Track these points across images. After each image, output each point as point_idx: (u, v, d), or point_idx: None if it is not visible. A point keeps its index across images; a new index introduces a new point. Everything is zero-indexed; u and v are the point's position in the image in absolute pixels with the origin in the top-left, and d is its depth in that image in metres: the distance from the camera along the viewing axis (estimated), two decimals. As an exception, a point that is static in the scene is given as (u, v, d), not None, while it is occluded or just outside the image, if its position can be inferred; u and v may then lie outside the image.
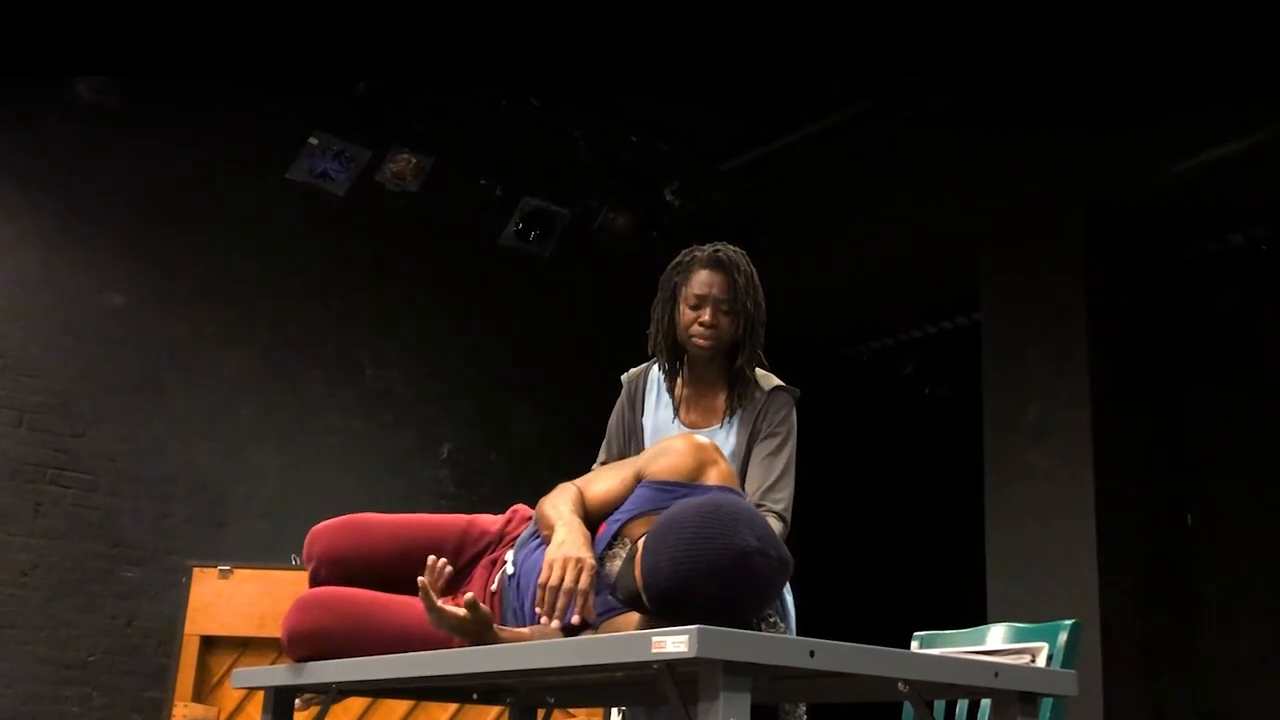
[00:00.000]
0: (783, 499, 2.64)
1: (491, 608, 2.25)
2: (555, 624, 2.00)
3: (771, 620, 2.15)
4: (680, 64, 5.58)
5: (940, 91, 5.82)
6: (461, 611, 1.95)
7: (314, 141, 6.10)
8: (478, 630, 1.97)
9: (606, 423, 2.91)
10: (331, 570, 2.37)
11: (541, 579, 2.06)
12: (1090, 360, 5.58)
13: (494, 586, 2.32)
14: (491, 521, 2.46)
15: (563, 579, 2.04)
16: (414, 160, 6.36)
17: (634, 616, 2.03)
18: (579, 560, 2.06)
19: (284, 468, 6.26)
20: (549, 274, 7.08)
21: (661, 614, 1.85)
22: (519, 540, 2.36)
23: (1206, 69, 5.02)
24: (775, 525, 2.54)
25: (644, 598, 1.87)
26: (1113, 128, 5.65)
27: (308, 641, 2.26)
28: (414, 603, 2.12)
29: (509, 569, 2.30)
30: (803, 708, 2.33)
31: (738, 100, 6.20)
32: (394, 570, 2.32)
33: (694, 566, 1.78)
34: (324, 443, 6.42)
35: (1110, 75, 5.43)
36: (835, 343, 7.91)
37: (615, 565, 2.11)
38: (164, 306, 6.07)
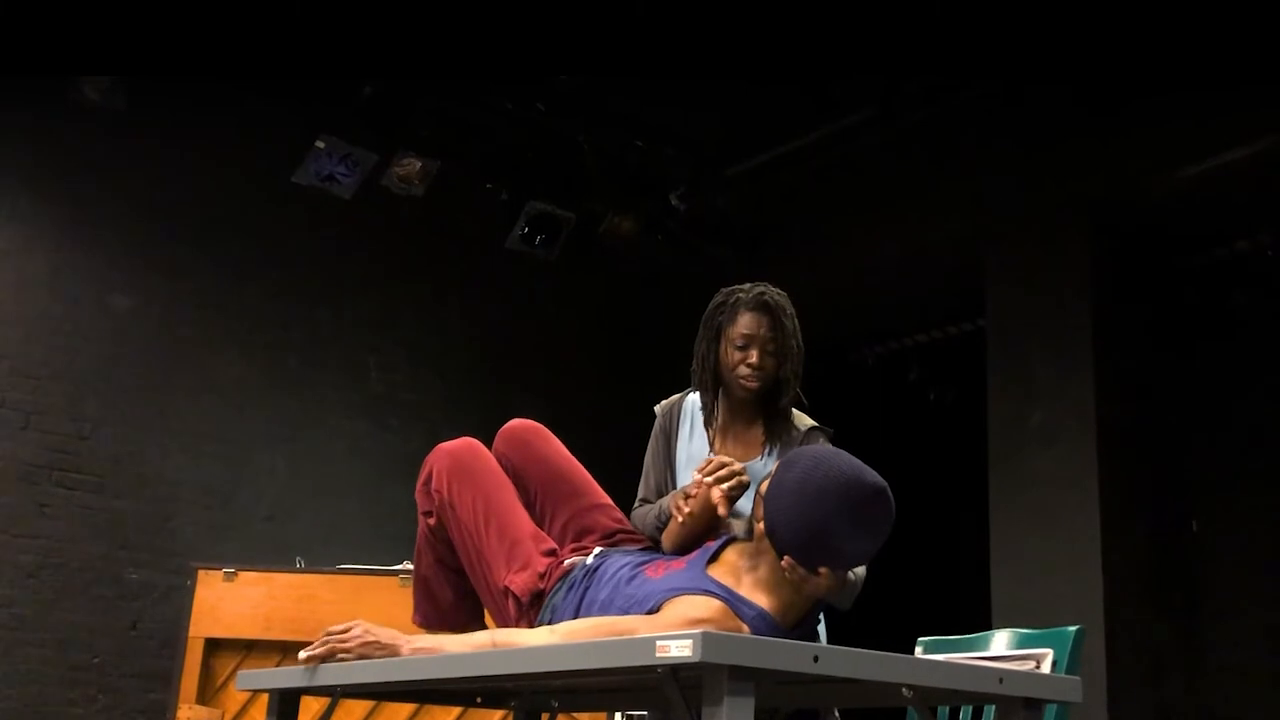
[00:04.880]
0: None
1: (544, 587, 2.41)
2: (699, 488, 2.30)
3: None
4: (685, 68, 5.58)
5: (946, 97, 5.82)
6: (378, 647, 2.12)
7: (321, 145, 6.11)
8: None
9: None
10: (505, 444, 2.81)
11: (713, 457, 2.39)
12: (1095, 365, 5.57)
13: (566, 562, 2.43)
14: (619, 520, 2.64)
15: (728, 464, 2.35)
16: (420, 164, 6.36)
17: (691, 598, 2.08)
18: (743, 469, 2.37)
19: (289, 470, 6.27)
20: (554, 278, 7.08)
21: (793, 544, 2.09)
22: (615, 548, 2.48)
23: (1212, 74, 5.02)
24: None
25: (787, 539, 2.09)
26: (1118, 133, 5.64)
27: (450, 476, 2.65)
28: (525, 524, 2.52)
29: (589, 560, 2.41)
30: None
31: (743, 104, 6.20)
32: (547, 478, 2.71)
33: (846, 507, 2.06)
34: (329, 445, 6.43)
35: (1116, 81, 5.42)
36: (840, 347, 7.89)
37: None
38: (170, 309, 6.08)
